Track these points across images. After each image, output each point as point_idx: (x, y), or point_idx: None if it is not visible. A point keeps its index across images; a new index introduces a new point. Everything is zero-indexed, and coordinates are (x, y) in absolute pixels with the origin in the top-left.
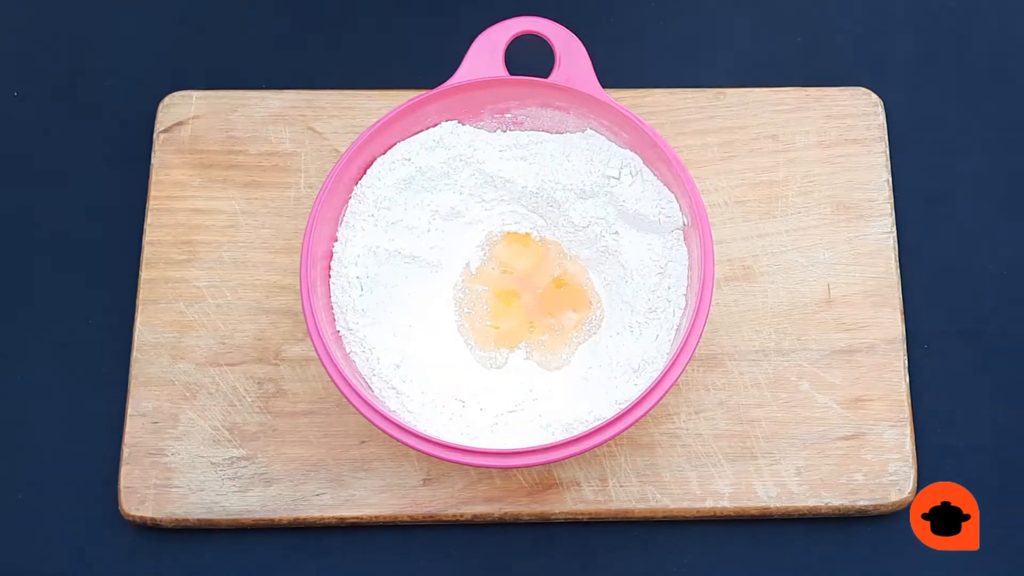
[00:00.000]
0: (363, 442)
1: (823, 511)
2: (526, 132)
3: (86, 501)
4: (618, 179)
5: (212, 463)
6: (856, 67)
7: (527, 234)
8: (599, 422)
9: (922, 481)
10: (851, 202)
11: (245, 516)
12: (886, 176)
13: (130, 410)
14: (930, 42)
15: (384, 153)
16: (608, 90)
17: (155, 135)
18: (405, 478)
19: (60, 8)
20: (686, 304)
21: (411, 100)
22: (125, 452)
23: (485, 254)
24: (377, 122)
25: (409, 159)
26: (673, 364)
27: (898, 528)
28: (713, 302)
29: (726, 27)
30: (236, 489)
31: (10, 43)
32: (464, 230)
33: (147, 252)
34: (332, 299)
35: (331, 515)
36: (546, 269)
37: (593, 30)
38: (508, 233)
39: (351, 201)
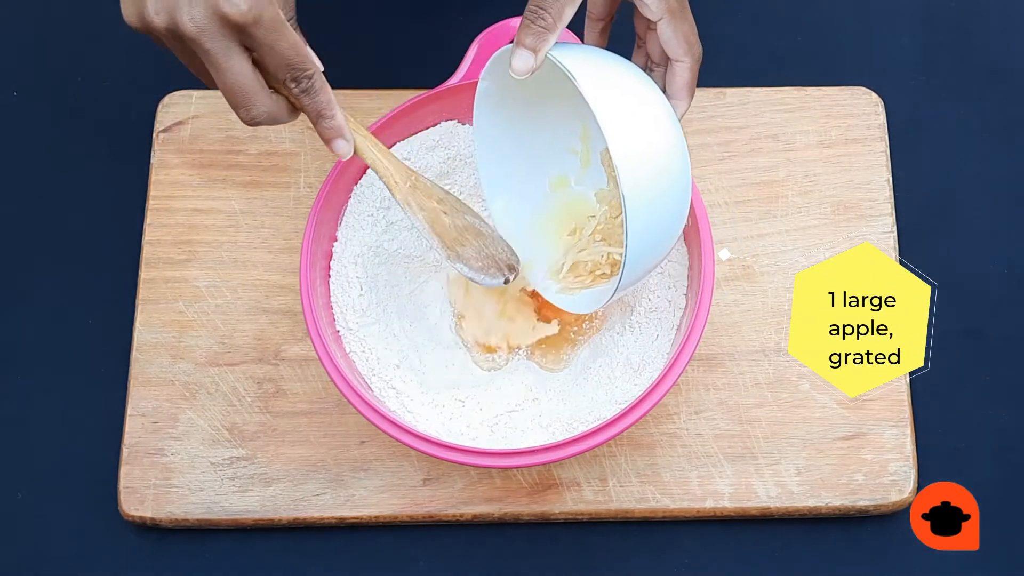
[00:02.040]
0: (363, 442)
1: (823, 511)
2: None
3: (86, 501)
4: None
5: (212, 463)
6: (856, 67)
7: None
8: (599, 422)
9: (922, 481)
10: (851, 202)
11: (245, 516)
12: (886, 176)
13: (130, 410)
14: (930, 42)
15: None
16: None
17: (155, 135)
18: (405, 478)
19: (60, 8)
20: (686, 304)
21: (411, 100)
22: (125, 452)
23: None
24: (376, 122)
25: (408, 159)
26: (673, 364)
27: (898, 528)
28: (713, 302)
29: (726, 27)
30: (236, 489)
31: (10, 43)
32: None
33: (147, 252)
34: (332, 299)
35: (331, 515)
36: None
37: None
38: None
39: (351, 201)
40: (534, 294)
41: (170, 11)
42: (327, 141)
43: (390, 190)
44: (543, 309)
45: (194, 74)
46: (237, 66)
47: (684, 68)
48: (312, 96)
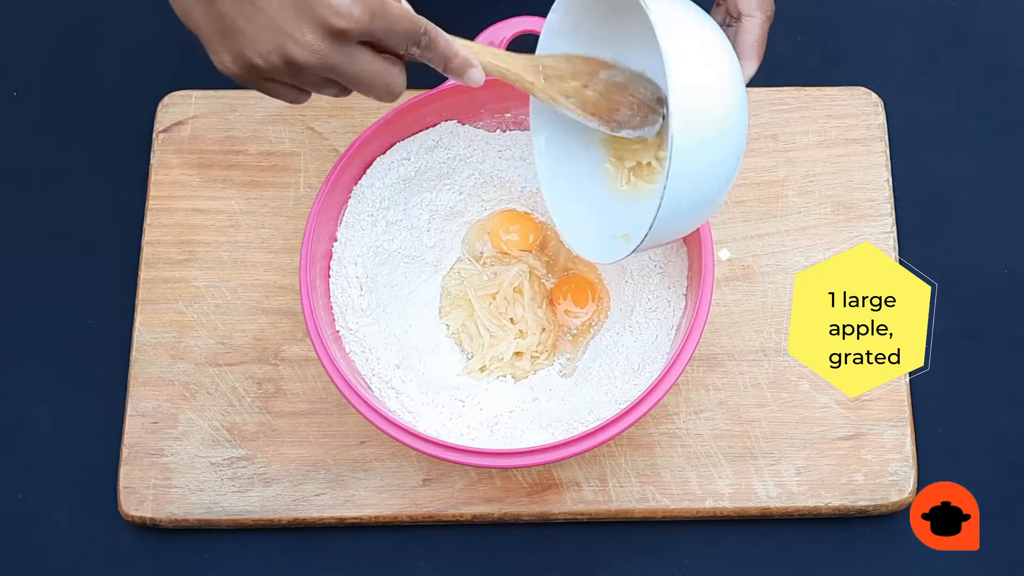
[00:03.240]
0: (363, 442)
1: (823, 511)
2: (526, 132)
3: (86, 501)
4: None
5: (211, 463)
6: (856, 67)
7: (526, 212)
8: (599, 422)
9: (922, 481)
10: (851, 202)
11: (245, 516)
12: (886, 176)
13: (129, 410)
14: (930, 42)
15: (384, 153)
16: None
17: (154, 135)
18: (405, 478)
19: (60, 8)
20: (686, 304)
21: (411, 100)
22: (124, 452)
23: (481, 241)
24: (377, 122)
25: (408, 159)
26: (673, 364)
27: (898, 528)
28: (713, 302)
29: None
30: (236, 489)
31: (10, 43)
32: (463, 230)
33: (146, 252)
34: (332, 299)
35: (331, 515)
36: (557, 255)
37: None
38: (507, 210)
39: (351, 201)
40: (551, 302)
41: (279, 48)
42: (459, 76)
43: (529, 92)
44: (556, 302)
45: (304, 93)
46: (364, 64)
47: (754, 24)
48: (433, 49)
